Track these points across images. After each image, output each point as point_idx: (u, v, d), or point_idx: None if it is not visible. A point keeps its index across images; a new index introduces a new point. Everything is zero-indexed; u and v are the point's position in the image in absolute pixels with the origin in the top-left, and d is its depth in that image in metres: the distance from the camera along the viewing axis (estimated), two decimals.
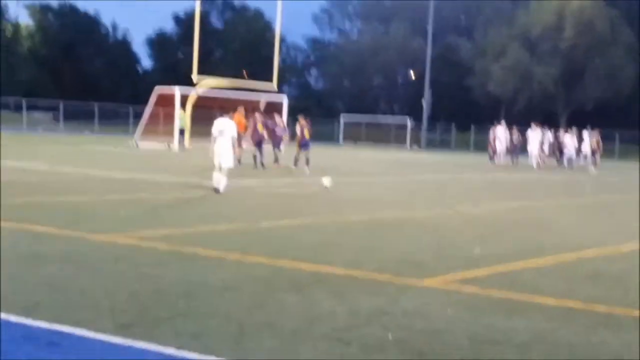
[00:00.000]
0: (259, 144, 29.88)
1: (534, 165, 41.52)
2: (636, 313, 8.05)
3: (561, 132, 45.49)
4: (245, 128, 30.15)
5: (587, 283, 9.58)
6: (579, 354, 6.62)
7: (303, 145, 29.05)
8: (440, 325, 7.26)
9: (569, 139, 44.15)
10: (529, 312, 7.91)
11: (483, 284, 9.13)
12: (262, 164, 29.31)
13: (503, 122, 45.45)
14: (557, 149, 44.56)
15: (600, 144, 44.04)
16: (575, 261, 11.22)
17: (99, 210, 14.80)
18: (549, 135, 44.42)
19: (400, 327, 7.17)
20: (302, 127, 29.42)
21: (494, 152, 42.68)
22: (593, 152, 43.27)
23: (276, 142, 30.74)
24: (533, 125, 43.46)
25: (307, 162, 28.53)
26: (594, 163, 42.42)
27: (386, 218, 15.66)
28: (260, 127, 30.18)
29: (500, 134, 42.79)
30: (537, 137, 42.57)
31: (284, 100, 47.97)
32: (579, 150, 44.76)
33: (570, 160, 43.70)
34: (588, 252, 12.03)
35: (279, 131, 30.91)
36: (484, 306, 8.09)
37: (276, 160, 30.24)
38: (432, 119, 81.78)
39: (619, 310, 8.16)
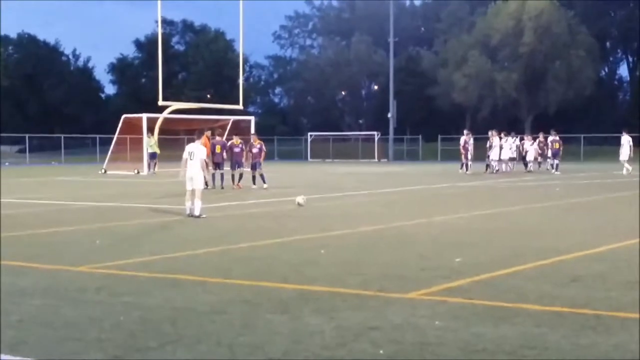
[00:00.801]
0: (217, 165, 29.95)
1: (495, 171, 42.04)
2: (621, 314, 8.12)
3: (519, 138, 45.85)
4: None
5: (571, 286, 9.63)
6: (569, 357, 6.65)
7: (256, 164, 30.24)
8: (430, 337, 7.27)
9: (528, 144, 44.77)
10: (516, 319, 7.94)
11: (468, 293, 9.16)
12: (222, 186, 29.78)
13: (468, 130, 45.72)
14: (519, 154, 45.07)
15: (561, 146, 44.49)
16: (557, 265, 11.28)
17: (75, 241, 14.67)
18: (510, 141, 44.69)
19: (390, 341, 7.17)
20: (251, 146, 30.49)
21: (465, 160, 42.81)
22: (554, 155, 43.62)
23: (236, 162, 30.54)
24: (491, 132, 43.74)
25: (263, 178, 29.95)
26: (555, 166, 42.81)
27: (365, 232, 15.67)
28: (218, 148, 30.12)
29: (469, 142, 42.99)
30: (496, 143, 42.94)
31: (252, 121, 47.90)
32: (540, 155, 45.30)
33: (530, 164, 44.30)
34: (568, 255, 12.11)
35: (237, 151, 30.69)
36: (471, 315, 8.11)
37: (238, 180, 30.22)
38: (399, 130, 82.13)
39: (605, 312, 8.21)
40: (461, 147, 42.84)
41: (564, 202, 23.06)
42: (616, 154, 43.98)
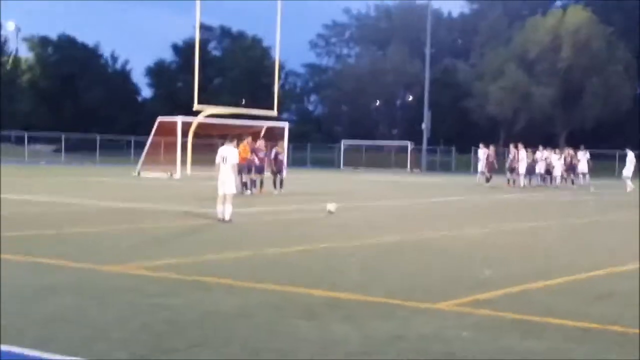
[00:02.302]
0: (248, 170, 30.02)
1: (521, 184, 41.83)
2: None
3: (545, 152, 44.92)
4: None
5: (599, 303, 9.56)
6: None
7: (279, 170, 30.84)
8: (457, 348, 7.24)
9: (556, 159, 44.07)
10: (543, 333, 7.90)
11: (496, 306, 9.12)
12: (251, 191, 29.98)
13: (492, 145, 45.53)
14: (545, 169, 44.18)
15: (590, 163, 44.17)
16: (585, 281, 11.20)
17: (106, 241, 14.77)
18: (539, 155, 44.17)
19: (416, 351, 7.15)
20: (277, 152, 30.91)
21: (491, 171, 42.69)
22: (583, 172, 43.33)
23: (259, 168, 30.64)
24: (515, 146, 43.46)
25: (281, 184, 30.56)
26: (585, 182, 42.48)
27: (393, 241, 15.65)
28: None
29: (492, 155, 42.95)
30: (524, 157, 42.71)
31: (286, 128, 47.92)
32: (569, 170, 44.73)
33: (555, 179, 43.69)
34: (596, 272, 12.01)
35: (261, 157, 30.80)
36: (498, 328, 8.07)
37: (260, 185, 30.38)
38: (432, 141, 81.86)
39: (633, 329, 8.13)
40: (486, 160, 42.71)
41: (595, 219, 22.87)
42: None
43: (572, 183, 44.14)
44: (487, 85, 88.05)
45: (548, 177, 44.18)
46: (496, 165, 42.73)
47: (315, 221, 19.88)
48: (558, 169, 43.78)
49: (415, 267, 12.14)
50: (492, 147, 43.49)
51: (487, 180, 42.22)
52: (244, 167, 29.41)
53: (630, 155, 41.71)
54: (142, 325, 7.91)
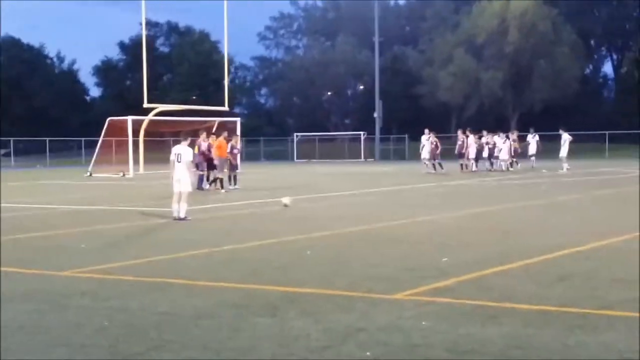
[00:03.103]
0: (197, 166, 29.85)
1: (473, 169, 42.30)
2: (609, 312, 8.11)
3: (490, 136, 44.94)
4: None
5: (558, 285, 9.62)
6: (557, 357, 6.63)
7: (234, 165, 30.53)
8: (417, 338, 7.24)
9: (501, 143, 44.06)
10: (503, 318, 7.93)
11: (455, 294, 9.14)
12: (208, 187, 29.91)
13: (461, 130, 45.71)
14: (489, 153, 44.18)
15: (540, 145, 44.87)
16: (543, 264, 11.27)
17: (60, 245, 14.59)
18: (483, 140, 44.24)
19: (377, 343, 7.14)
20: (232, 147, 30.50)
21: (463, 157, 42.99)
22: (532, 154, 43.85)
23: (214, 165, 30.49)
24: (463, 132, 43.98)
25: (235, 180, 30.46)
26: (535, 164, 42.94)
27: (351, 233, 15.64)
28: (195, 149, 30.03)
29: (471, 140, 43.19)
30: (472, 143, 43.12)
31: (238, 122, 47.70)
32: (514, 153, 45.13)
33: (501, 163, 43.87)
34: (553, 254, 12.09)
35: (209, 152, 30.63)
36: (458, 316, 8.08)
37: (213, 181, 30.22)
38: (385, 130, 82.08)
39: (592, 310, 8.20)
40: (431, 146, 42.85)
41: (548, 201, 23.07)
42: (603, 151, 44.22)
43: (517, 165, 44.26)
44: (437, 71, 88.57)
45: (495, 161, 44.27)
46: (438, 152, 42.91)
47: (272, 215, 19.83)
48: (504, 153, 43.78)
49: (374, 258, 12.12)
50: (433, 133, 43.79)
51: (434, 167, 42.34)
52: (202, 163, 29.38)
53: (565, 136, 42.24)
54: (99, 329, 7.81)
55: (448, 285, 9.67)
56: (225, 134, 31.62)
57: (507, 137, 44.47)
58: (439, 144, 43.05)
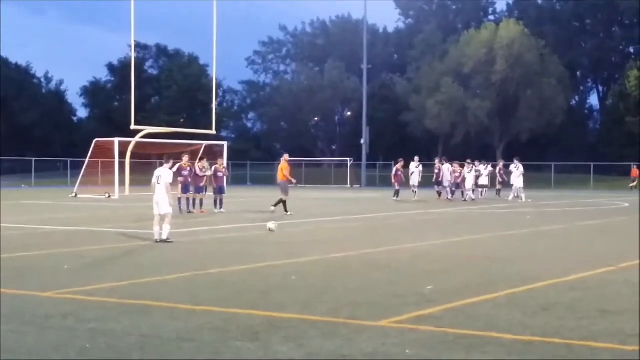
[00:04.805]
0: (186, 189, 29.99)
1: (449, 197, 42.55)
2: (592, 344, 8.09)
3: (455, 166, 44.42)
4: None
5: (542, 315, 9.59)
6: None
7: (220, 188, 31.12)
8: None
9: (466, 172, 43.36)
10: (487, 347, 7.89)
11: (439, 322, 9.10)
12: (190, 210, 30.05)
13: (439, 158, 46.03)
14: (454, 182, 43.83)
15: (522, 175, 45.01)
16: (527, 293, 11.25)
17: (44, 266, 14.47)
18: (450, 168, 43.95)
19: None
20: (217, 170, 31.25)
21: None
22: (517, 184, 43.59)
23: (199, 187, 30.57)
24: (440, 160, 44.78)
25: (221, 203, 30.90)
26: (517, 194, 42.92)
27: (335, 258, 15.59)
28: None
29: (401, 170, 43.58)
30: (447, 171, 43.37)
31: (225, 146, 47.67)
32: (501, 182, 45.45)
33: (473, 192, 43.58)
34: (538, 283, 12.07)
35: (199, 176, 30.68)
36: (441, 344, 8.04)
37: (200, 205, 30.38)
38: (371, 156, 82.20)
39: (576, 342, 8.17)
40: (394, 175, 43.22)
41: (533, 230, 23.09)
42: (588, 182, 44.47)
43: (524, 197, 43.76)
44: (425, 99, 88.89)
45: (460, 191, 43.89)
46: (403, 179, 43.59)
47: (256, 240, 19.76)
48: (469, 182, 43.27)
49: (358, 284, 12.08)
50: (401, 162, 44.16)
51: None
52: (187, 186, 29.56)
53: (519, 166, 42.73)
54: (81, 351, 7.75)
55: (432, 313, 9.63)
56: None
57: (473, 166, 44.33)
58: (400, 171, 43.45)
